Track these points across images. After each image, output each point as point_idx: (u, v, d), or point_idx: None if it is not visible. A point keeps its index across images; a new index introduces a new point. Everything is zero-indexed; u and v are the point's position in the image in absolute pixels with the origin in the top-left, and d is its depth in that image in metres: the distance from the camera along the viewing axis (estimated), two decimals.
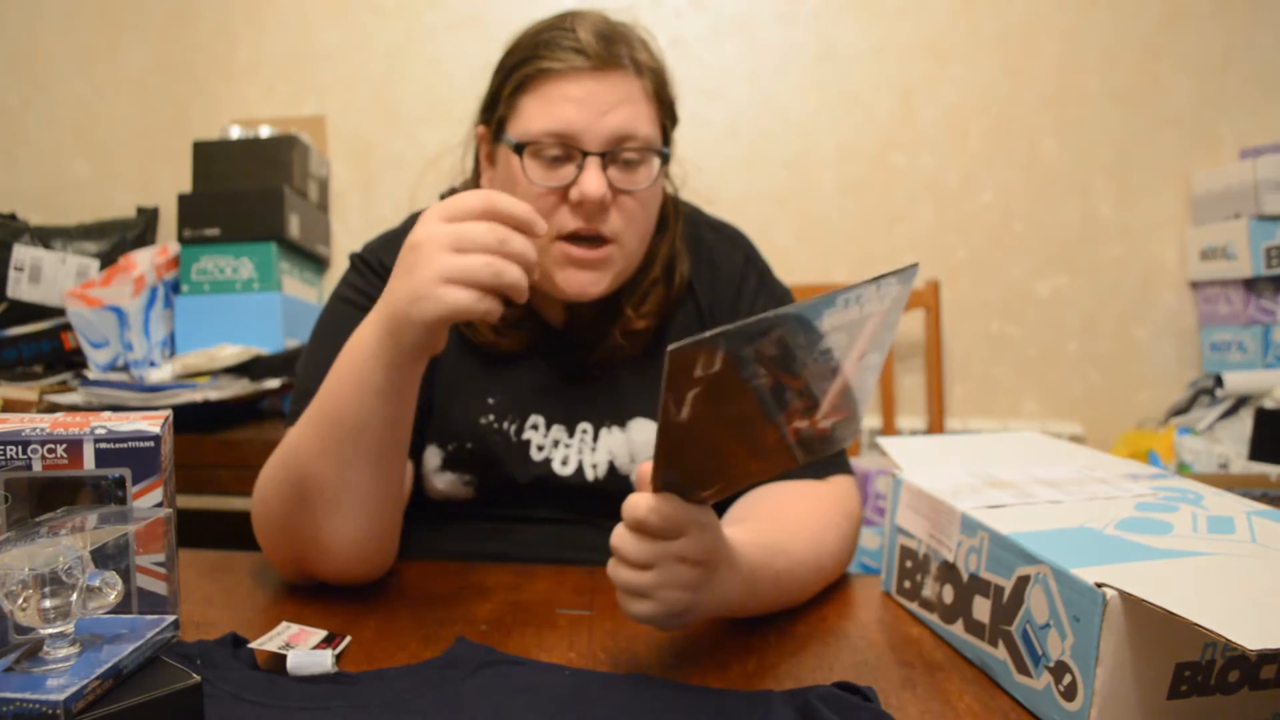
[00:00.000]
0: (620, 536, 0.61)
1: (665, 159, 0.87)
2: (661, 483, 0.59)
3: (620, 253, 0.87)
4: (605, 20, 0.86)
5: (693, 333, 0.93)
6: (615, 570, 0.61)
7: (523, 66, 0.83)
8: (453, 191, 0.96)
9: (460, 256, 0.64)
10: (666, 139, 0.90)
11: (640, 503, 0.59)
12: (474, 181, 0.95)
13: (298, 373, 0.88)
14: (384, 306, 0.69)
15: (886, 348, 0.63)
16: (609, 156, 0.82)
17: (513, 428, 0.92)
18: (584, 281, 0.85)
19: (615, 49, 0.83)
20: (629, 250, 0.87)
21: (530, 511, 0.92)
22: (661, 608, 0.61)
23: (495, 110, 0.87)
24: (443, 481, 0.93)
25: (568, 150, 0.82)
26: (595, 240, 0.85)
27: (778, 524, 0.78)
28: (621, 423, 0.92)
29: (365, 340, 0.70)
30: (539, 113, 0.82)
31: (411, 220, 0.96)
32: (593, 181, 0.81)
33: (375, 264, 0.91)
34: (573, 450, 0.92)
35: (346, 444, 0.72)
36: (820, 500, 0.84)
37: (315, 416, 0.74)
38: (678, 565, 0.60)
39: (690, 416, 0.53)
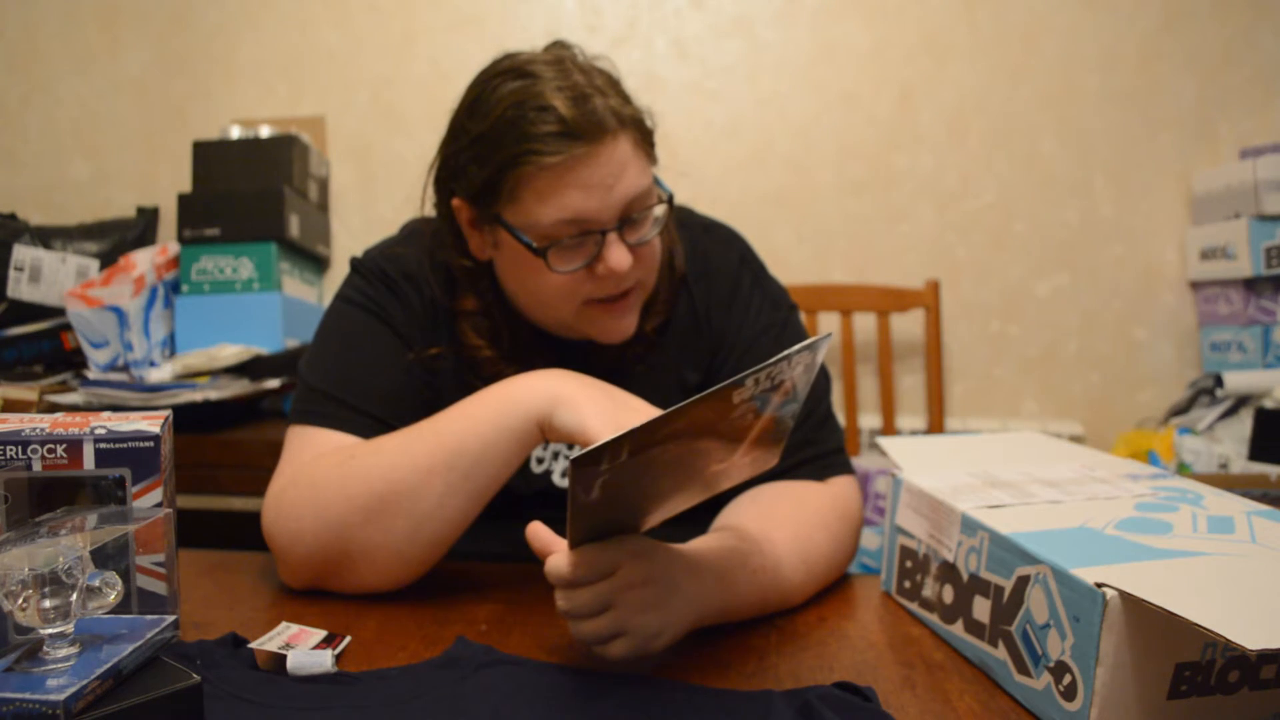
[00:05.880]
0: (562, 597, 0.61)
1: (670, 200, 0.86)
2: (577, 542, 0.60)
3: (643, 292, 0.89)
4: (563, 69, 0.80)
5: (691, 333, 0.94)
6: (577, 629, 0.61)
7: (515, 165, 0.78)
8: (419, 225, 0.94)
9: None
10: (653, 160, 0.89)
11: (561, 563, 0.60)
12: (450, 238, 0.90)
13: (304, 372, 0.87)
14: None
15: (803, 398, 0.65)
16: (623, 225, 0.82)
17: None
18: (620, 328, 0.87)
19: (595, 111, 0.78)
20: (649, 285, 0.90)
21: (531, 513, 0.92)
22: (637, 638, 0.61)
23: (487, 202, 0.83)
24: None
25: (584, 232, 0.81)
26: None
27: (760, 524, 0.78)
28: None
29: (523, 396, 0.73)
30: (546, 207, 0.79)
31: (408, 229, 0.96)
32: (618, 257, 0.81)
33: (377, 271, 0.91)
34: None
35: (458, 471, 0.74)
36: (812, 500, 0.84)
37: (430, 439, 0.75)
38: (630, 593, 0.61)
39: (600, 495, 0.55)
